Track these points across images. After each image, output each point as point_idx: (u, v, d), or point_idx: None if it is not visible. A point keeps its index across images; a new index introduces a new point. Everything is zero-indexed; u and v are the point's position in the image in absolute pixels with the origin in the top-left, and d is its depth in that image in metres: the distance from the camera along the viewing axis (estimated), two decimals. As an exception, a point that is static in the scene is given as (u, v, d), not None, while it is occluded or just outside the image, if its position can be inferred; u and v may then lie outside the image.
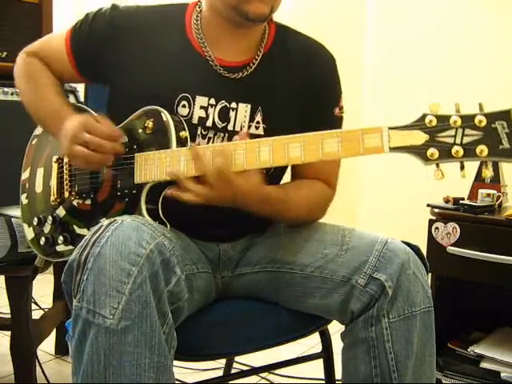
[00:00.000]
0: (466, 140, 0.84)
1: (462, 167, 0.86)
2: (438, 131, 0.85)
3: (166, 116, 1.06)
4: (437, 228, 1.66)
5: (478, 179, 1.73)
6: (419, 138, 0.86)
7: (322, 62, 1.21)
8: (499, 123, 0.82)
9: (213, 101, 1.13)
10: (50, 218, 1.20)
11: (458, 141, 0.84)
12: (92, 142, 1.04)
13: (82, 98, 1.74)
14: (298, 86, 1.16)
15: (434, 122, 0.85)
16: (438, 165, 0.86)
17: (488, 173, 0.85)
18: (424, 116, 0.86)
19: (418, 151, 0.86)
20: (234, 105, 1.13)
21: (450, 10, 2.25)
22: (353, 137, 0.89)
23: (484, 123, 0.83)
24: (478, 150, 0.83)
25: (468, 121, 0.83)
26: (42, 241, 1.20)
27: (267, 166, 0.97)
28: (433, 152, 0.85)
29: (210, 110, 1.12)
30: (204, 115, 1.12)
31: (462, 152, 0.84)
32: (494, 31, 2.15)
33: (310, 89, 1.16)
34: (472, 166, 1.88)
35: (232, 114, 1.13)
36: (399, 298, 0.99)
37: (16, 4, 1.75)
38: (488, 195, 1.67)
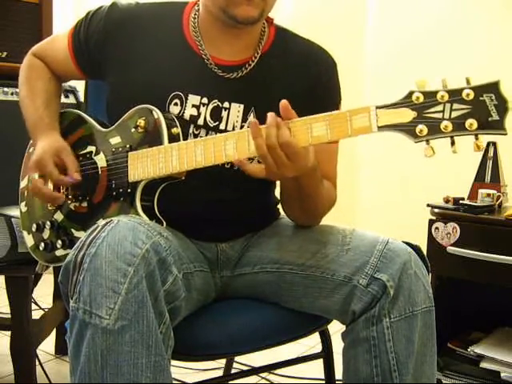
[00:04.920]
0: (455, 114, 0.83)
1: (453, 143, 0.84)
2: (425, 107, 0.84)
3: (157, 114, 1.07)
4: (437, 228, 1.66)
5: (478, 179, 1.73)
6: (407, 115, 0.85)
7: (322, 65, 1.20)
8: (487, 96, 0.81)
9: (205, 100, 1.12)
10: (48, 223, 1.20)
11: (447, 116, 0.83)
12: (34, 184, 1.14)
13: (82, 98, 1.74)
14: (296, 88, 1.15)
15: (422, 99, 0.84)
16: (427, 141, 0.85)
17: (480, 145, 0.84)
18: (411, 93, 0.85)
19: (407, 128, 0.85)
20: (226, 104, 1.13)
21: (450, 9, 2.25)
22: (341, 118, 0.89)
23: (472, 96, 0.82)
24: (467, 124, 0.82)
25: (455, 95, 0.83)
26: (42, 246, 1.19)
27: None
28: (421, 128, 0.84)
29: (202, 109, 1.12)
30: (196, 114, 1.12)
31: (451, 127, 0.83)
32: (494, 29, 2.15)
33: (308, 92, 1.15)
34: (472, 166, 1.87)
35: (224, 113, 1.13)
36: (400, 298, 0.99)
37: (16, 4, 1.75)
38: (488, 195, 1.67)
